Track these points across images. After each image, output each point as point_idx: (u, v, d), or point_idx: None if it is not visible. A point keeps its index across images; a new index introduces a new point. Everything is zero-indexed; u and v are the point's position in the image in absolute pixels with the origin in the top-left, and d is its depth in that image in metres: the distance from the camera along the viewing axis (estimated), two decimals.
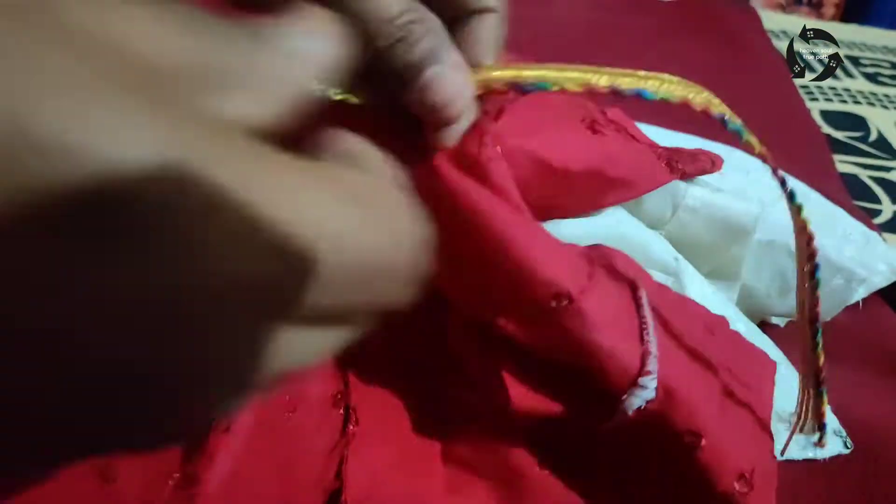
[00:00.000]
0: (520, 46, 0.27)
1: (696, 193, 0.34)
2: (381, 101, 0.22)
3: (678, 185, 0.34)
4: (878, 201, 0.55)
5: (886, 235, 0.48)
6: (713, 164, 0.35)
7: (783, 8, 1.26)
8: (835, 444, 0.29)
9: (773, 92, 0.69)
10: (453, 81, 0.21)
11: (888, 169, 0.60)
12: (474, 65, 0.23)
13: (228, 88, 0.13)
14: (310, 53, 0.15)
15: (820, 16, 1.28)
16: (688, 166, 0.33)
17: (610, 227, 0.33)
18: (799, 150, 0.58)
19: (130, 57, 0.11)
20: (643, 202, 0.34)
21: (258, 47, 0.14)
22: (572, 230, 0.33)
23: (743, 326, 0.31)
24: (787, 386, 0.30)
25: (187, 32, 0.13)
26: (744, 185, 0.45)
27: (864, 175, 0.58)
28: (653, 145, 0.34)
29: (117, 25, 0.11)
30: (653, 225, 0.34)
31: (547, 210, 0.31)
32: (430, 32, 0.21)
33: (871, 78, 0.77)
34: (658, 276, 0.31)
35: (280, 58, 0.14)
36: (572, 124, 0.30)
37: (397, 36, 0.20)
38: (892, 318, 0.39)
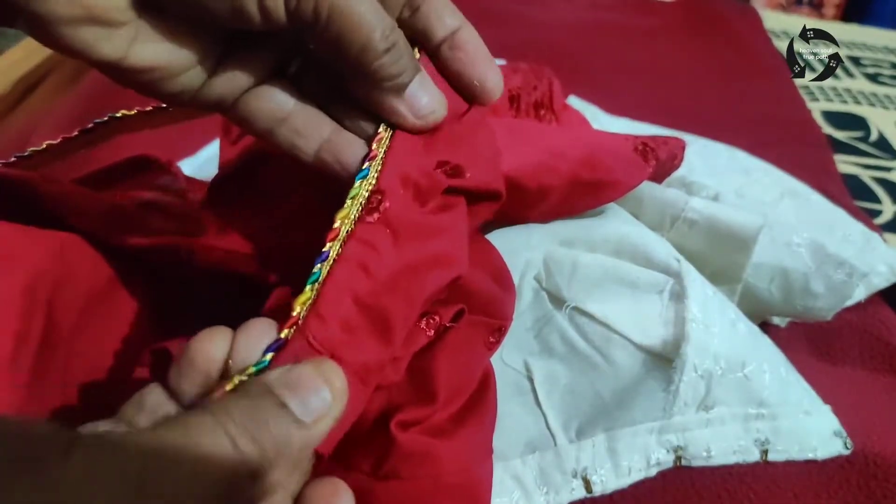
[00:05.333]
0: (521, 46, 0.27)
1: (697, 206, 0.34)
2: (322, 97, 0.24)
3: (678, 197, 0.34)
4: (878, 201, 0.55)
5: (887, 236, 0.48)
6: (681, 146, 0.36)
7: (784, 8, 1.26)
8: (835, 444, 0.29)
9: (774, 92, 0.69)
10: (433, 91, 0.24)
11: (888, 169, 0.60)
12: (479, 81, 0.25)
13: None
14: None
15: (820, 16, 1.28)
16: (661, 151, 0.33)
17: (612, 227, 0.33)
18: (799, 150, 0.58)
19: None
20: (639, 216, 0.34)
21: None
22: (574, 232, 0.33)
23: (743, 326, 0.31)
24: (786, 385, 0.30)
25: None
26: (744, 186, 0.45)
27: (864, 175, 0.58)
28: (625, 136, 0.34)
29: None
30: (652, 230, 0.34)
31: (520, 218, 0.31)
32: (409, 50, 0.23)
33: (872, 78, 0.77)
34: (659, 277, 0.31)
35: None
36: (538, 125, 0.30)
37: (385, 47, 0.22)
38: (893, 319, 0.39)
